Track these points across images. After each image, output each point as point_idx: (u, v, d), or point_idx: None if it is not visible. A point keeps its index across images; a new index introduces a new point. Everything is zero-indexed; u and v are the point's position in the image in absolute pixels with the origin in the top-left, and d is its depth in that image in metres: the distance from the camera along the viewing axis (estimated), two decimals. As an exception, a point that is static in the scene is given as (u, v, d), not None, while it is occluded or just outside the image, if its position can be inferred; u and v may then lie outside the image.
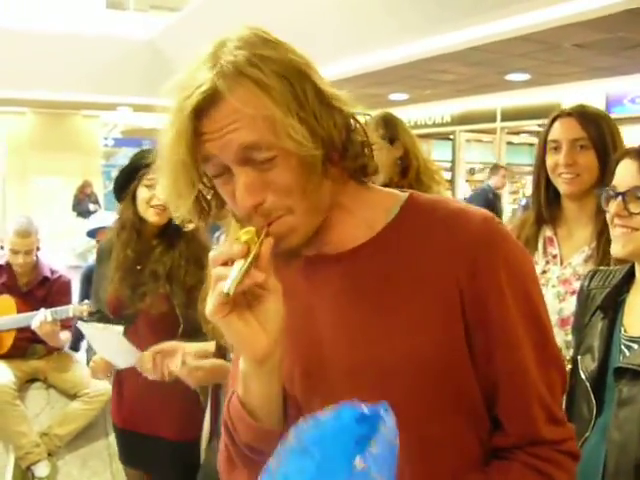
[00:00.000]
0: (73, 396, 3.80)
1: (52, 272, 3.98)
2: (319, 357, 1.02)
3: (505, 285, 0.96)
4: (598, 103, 10.33)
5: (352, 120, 0.99)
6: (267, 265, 0.89)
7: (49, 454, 3.68)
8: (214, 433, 2.09)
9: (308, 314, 1.04)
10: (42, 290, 3.91)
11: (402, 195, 1.06)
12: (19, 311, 3.72)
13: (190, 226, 1.08)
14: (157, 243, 2.48)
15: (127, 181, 2.49)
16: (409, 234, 1.00)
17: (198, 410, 2.33)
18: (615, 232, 1.68)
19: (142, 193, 2.45)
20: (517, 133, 14.72)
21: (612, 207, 1.68)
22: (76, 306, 2.99)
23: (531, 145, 15.97)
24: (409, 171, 2.59)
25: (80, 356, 3.88)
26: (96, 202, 14.32)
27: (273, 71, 0.91)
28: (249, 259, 0.87)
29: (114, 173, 17.94)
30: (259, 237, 0.91)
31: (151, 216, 2.44)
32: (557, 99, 11.53)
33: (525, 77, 9.81)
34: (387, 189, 1.08)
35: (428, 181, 2.58)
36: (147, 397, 2.38)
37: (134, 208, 2.47)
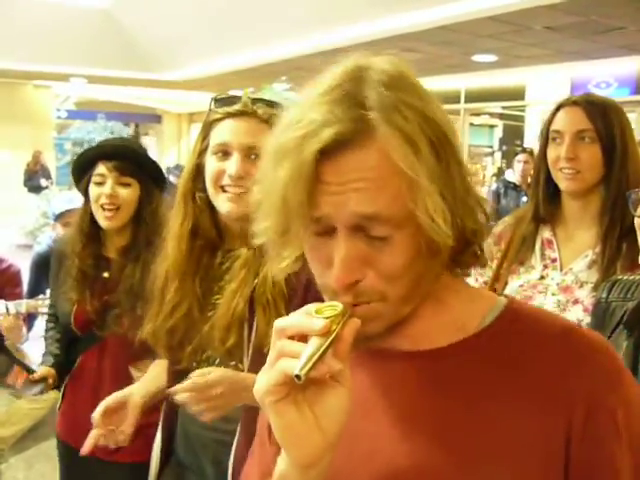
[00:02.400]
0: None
1: (0, 261, 3.68)
2: (376, 468, 0.84)
3: (623, 431, 0.79)
4: (563, 87, 10.32)
5: (475, 203, 0.81)
6: (346, 352, 0.73)
7: (-9, 457, 3.43)
8: (167, 454, 1.84)
9: (364, 410, 0.86)
10: (-11, 280, 3.60)
11: (500, 299, 0.89)
12: (-35, 303, 3.42)
13: None
14: (122, 252, 2.21)
15: (81, 175, 2.24)
16: (507, 347, 0.83)
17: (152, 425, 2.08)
18: None
19: (92, 192, 2.18)
20: (478, 114, 14.72)
21: None
22: (30, 302, 2.72)
23: (491, 127, 16.05)
24: None
25: (26, 350, 3.61)
26: (48, 177, 13.87)
27: (421, 127, 0.74)
28: (329, 339, 0.72)
29: (67, 146, 17.63)
30: (343, 316, 0.75)
31: (101, 220, 2.18)
32: (522, 81, 11.52)
33: (492, 58, 9.70)
34: (478, 288, 0.94)
35: None
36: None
37: (89, 208, 2.21)
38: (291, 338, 0.73)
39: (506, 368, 0.81)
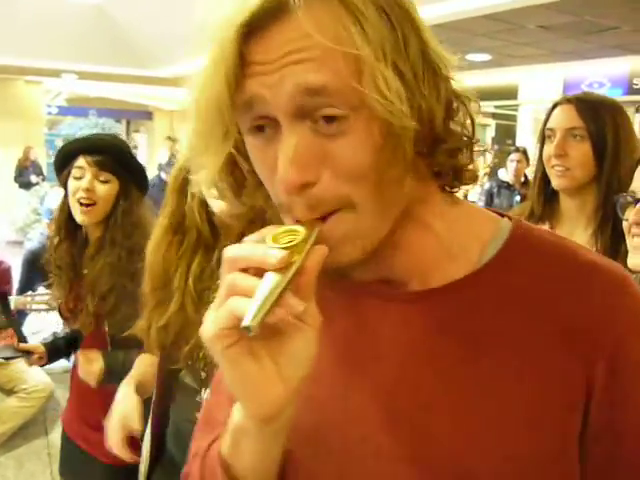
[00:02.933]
0: (9, 392, 3.51)
1: (-9, 258, 3.65)
2: (365, 427, 0.74)
3: None
4: (556, 87, 10.32)
5: (457, 103, 0.69)
6: (311, 287, 0.61)
7: (-19, 456, 3.39)
8: (157, 455, 1.82)
9: (355, 359, 0.76)
10: (-22, 277, 3.56)
11: (503, 223, 0.76)
12: (-49, 299, 3.37)
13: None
14: (94, 246, 2.16)
15: (62, 168, 2.19)
16: (517, 284, 0.72)
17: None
18: (634, 242, 1.49)
19: (70, 185, 2.12)
20: (470, 114, 14.73)
21: (630, 215, 1.49)
22: (19, 298, 2.66)
23: (484, 126, 16.05)
24: None
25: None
26: (40, 174, 13.76)
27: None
28: (288, 275, 0.58)
29: (58, 142, 17.54)
30: (306, 243, 0.61)
31: (77, 214, 2.11)
32: (515, 81, 11.53)
33: (485, 57, 9.69)
34: (479, 207, 0.79)
35: None
36: (88, 409, 2.12)
37: (67, 202, 2.16)
38: (244, 271, 0.61)
39: (516, 310, 0.70)
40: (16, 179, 13.73)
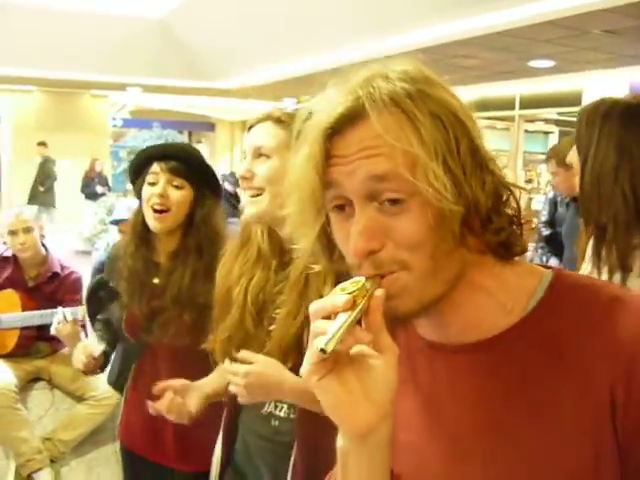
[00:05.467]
0: (79, 398, 3.59)
1: (62, 268, 3.74)
2: (442, 462, 0.89)
3: None
4: (621, 92, 10.07)
5: (503, 189, 0.86)
6: (377, 322, 0.77)
7: (52, 460, 3.47)
8: (227, 463, 1.84)
9: (432, 407, 0.92)
10: (50, 286, 3.66)
11: (546, 274, 0.90)
12: (24, 307, 3.48)
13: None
14: (171, 257, 2.15)
15: (136, 176, 2.19)
16: (554, 329, 0.84)
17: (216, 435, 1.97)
18: None
19: (144, 192, 2.12)
20: (532, 121, 14.49)
21: None
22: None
23: (546, 133, 15.77)
24: None
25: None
26: (105, 184, 14.08)
27: (429, 109, 0.81)
28: (354, 312, 0.75)
29: (122, 154, 17.97)
30: (369, 289, 0.78)
31: (150, 220, 2.10)
32: (579, 87, 11.29)
33: (549, 64, 9.53)
34: (527, 264, 0.93)
35: None
36: (160, 419, 2.13)
37: (142, 210, 2.15)
38: (328, 318, 0.75)
39: (552, 352, 0.82)
40: (82, 189, 14.10)
